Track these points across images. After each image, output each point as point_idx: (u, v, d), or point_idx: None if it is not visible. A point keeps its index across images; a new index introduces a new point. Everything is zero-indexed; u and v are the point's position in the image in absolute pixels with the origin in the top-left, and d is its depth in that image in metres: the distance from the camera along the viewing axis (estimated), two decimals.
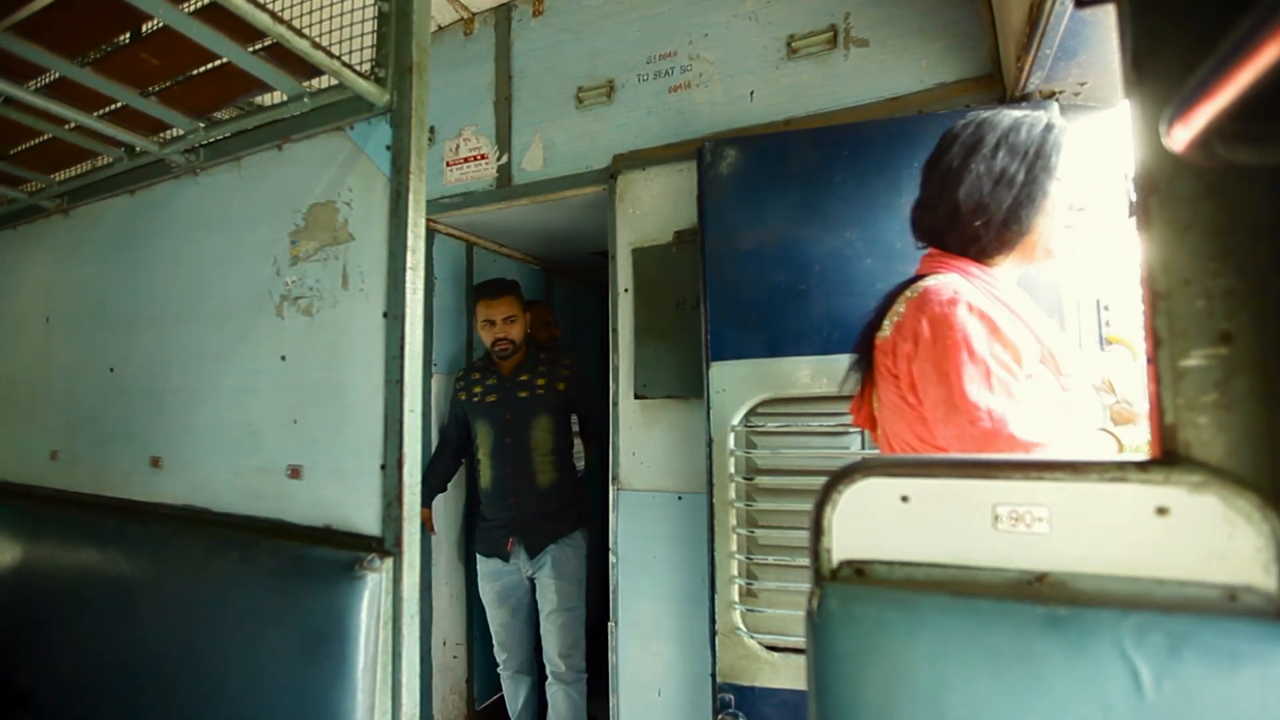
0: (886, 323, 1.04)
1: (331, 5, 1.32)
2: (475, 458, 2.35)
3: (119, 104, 1.39)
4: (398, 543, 1.14)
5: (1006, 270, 1.04)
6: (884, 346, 1.03)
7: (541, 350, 2.44)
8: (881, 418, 1.11)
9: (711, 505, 1.63)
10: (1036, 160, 0.97)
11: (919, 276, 1.05)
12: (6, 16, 1.10)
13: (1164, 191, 0.50)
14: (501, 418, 2.28)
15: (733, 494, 1.61)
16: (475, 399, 2.32)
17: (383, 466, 1.18)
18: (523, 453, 2.28)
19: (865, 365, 1.13)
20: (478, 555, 2.35)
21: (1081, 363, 1.04)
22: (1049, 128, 0.99)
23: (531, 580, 2.32)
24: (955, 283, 0.97)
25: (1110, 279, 1.43)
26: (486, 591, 2.34)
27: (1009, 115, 1.01)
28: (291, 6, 1.32)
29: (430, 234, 2.47)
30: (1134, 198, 0.52)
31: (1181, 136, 0.39)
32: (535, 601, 2.36)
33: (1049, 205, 0.99)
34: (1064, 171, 0.99)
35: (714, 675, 1.58)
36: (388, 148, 1.24)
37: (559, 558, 2.29)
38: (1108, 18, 1.16)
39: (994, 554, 0.56)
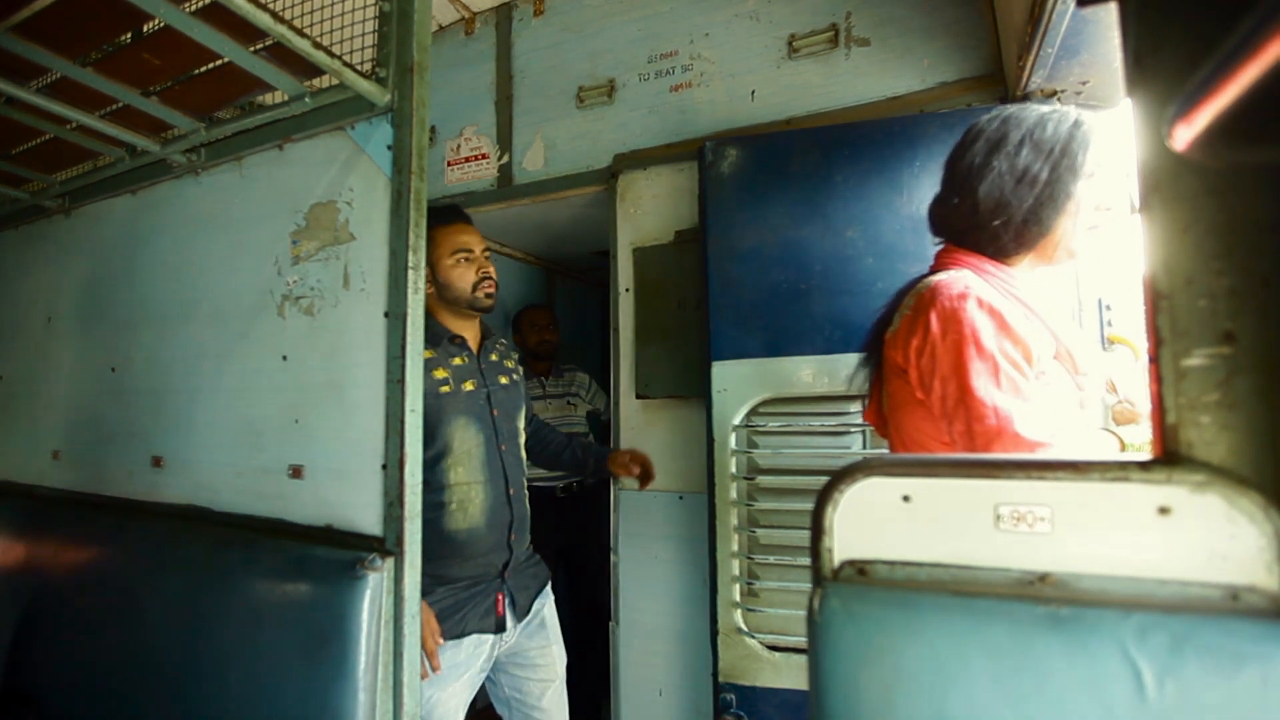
0: (896, 317, 1.03)
1: (332, 5, 1.32)
2: (440, 481, 1.47)
3: (120, 104, 1.39)
4: (399, 542, 1.15)
5: (1024, 269, 1.02)
6: (893, 341, 1.03)
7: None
8: (890, 414, 1.10)
9: (713, 505, 1.63)
10: (1062, 159, 0.95)
11: (931, 272, 1.04)
12: (8, 16, 1.10)
13: (1166, 190, 0.49)
14: (488, 415, 1.56)
15: (734, 494, 1.61)
16: (445, 386, 1.50)
17: (384, 466, 1.18)
18: (518, 466, 1.62)
19: (875, 362, 1.12)
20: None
21: (1098, 361, 1.03)
22: (1076, 125, 0.96)
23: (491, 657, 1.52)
24: (967, 278, 0.95)
25: (1112, 278, 1.43)
26: (447, 698, 1.42)
27: (1035, 111, 0.98)
28: (292, 6, 1.32)
29: None
30: (1136, 197, 0.52)
31: (1184, 135, 0.39)
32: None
33: (1072, 206, 0.96)
34: (1090, 170, 0.96)
35: (715, 675, 1.58)
36: (389, 147, 1.24)
37: (550, 613, 1.65)
38: (1109, 16, 1.15)
39: (996, 554, 0.56)
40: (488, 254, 1.63)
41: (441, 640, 1.38)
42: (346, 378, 1.26)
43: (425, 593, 1.38)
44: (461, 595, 1.45)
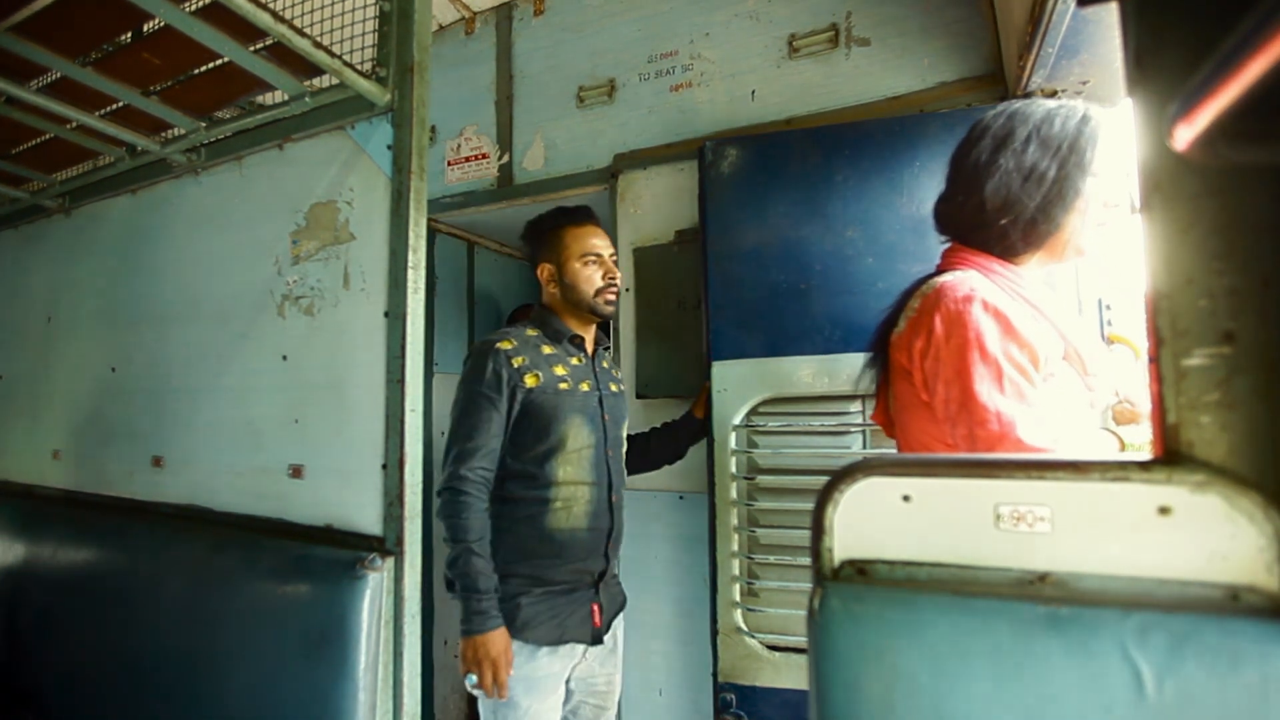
0: (902, 319, 1.03)
1: (332, 5, 1.32)
2: (549, 477, 1.41)
3: (120, 104, 1.39)
4: (399, 542, 1.15)
5: (1032, 267, 1.01)
6: (898, 342, 1.02)
7: None
8: (896, 415, 1.10)
9: (713, 505, 1.63)
10: (1070, 156, 0.93)
11: (938, 272, 1.03)
12: (8, 16, 1.10)
13: (1167, 190, 0.49)
14: (600, 418, 1.50)
15: (734, 493, 1.61)
16: (564, 383, 1.45)
17: (384, 466, 1.18)
18: (621, 474, 1.56)
19: (881, 363, 1.11)
20: (525, 647, 1.34)
21: (1107, 361, 1.02)
22: (1084, 120, 0.94)
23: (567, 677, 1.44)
24: (972, 279, 0.94)
25: (1112, 278, 1.43)
26: (546, 710, 1.37)
27: (1043, 106, 0.97)
28: (292, 6, 1.32)
29: (431, 233, 2.48)
30: (1137, 197, 0.52)
31: (1184, 135, 0.39)
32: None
33: (1081, 203, 0.95)
34: (1099, 166, 0.94)
35: (715, 675, 1.58)
36: (389, 147, 1.24)
37: (622, 639, 1.59)
38: (1110, 16, 1.15)
39: (996, 553, 0.56)
40: (615, 258, 1.58)
41: (510, 671, 1.31)
42: (346, 378, 1.26)
43: (521, 592, 1.36)
44: (558, 601, 1.40)
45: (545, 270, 1.54)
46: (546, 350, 1.48)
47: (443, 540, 1.32)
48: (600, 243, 1.54)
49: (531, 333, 1.50)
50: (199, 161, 1.52)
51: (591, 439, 1.46)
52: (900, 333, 1.02)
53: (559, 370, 1.46)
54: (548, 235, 1.55)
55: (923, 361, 0.95)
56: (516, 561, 1.39)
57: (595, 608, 1.43)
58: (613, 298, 1.53)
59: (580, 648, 1.42)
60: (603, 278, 1.51)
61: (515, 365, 1.40)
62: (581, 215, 1.57)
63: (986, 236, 0.99)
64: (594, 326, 1.60)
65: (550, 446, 1.41)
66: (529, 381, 1.40)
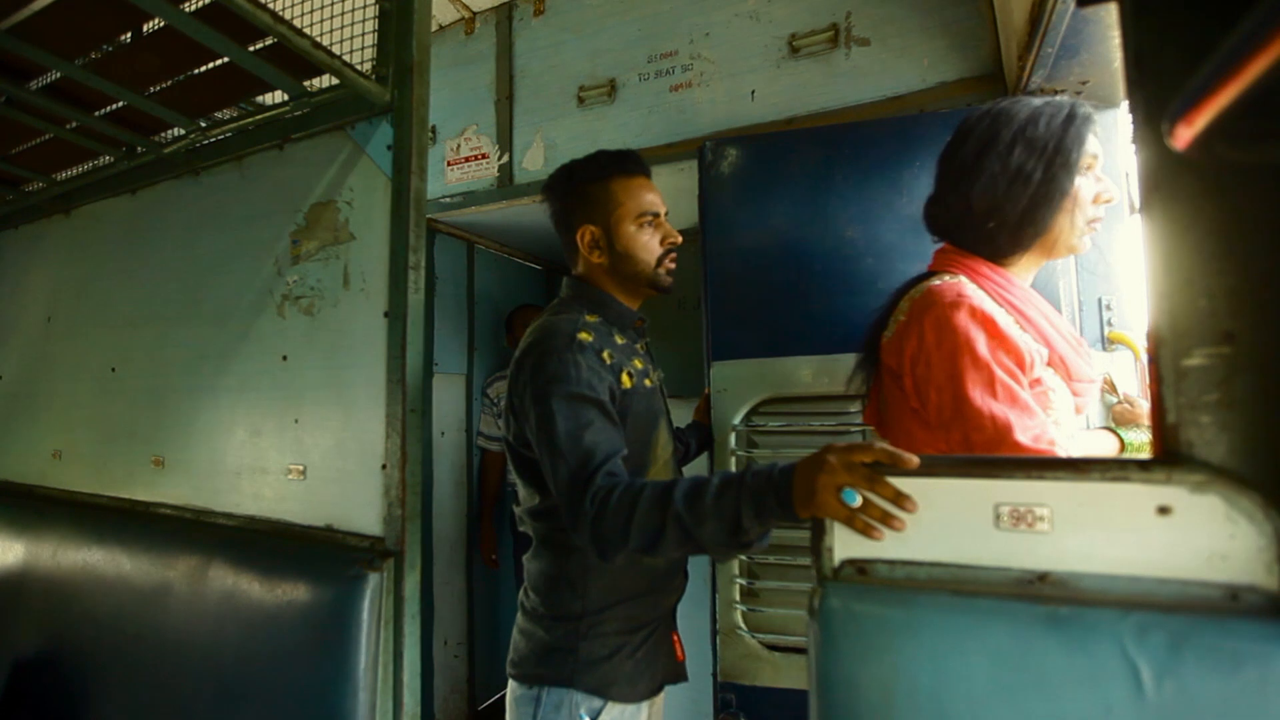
0: (891, 322, 1.03)
1: (332, 5, 1.32)
2: None
3: (120, 104, 1.39)
4: (399, 542, 1.15)
5: (1023, 268, 1.01)
6: (888, 347, 1.02)
7: None
8: (886, 417, 1.10)
9: None
10: (1056, 156, 0.92)
11: (928, 274, 1.04)
12: (7, 17, 1.10)
13: (1166, 190, 0.49)
14: (668, 421, 1.24)
15: None
16: (647, 379, 1.17)
17: (384, 466, 1.18)
18: None
19: (871, 365, 1.12)
20: (626, 709, 1.11)
21: (1095, 368, 1.01)
22: (1070, 118, 0.93)
23: None
24: (961, 285, 0.95)
25: (1112, 277, 1.43)
26: None
27: (1027, 106, 0.96)
28: (292, 6, 1.32)
29: (431, 233, 2.48)
30: (1136, 196, 0.52)
31: (1183, 135, 0.39)
32: None
33: (1069, 203, 0.94)
34: (1087, 164, 0.93)
35: (715, 675, 1.58)
36: (389, 147, 1.24)
37: None
38: (1109, 16, 1.15)
39: (995, 553, 0.56)
40: (668, 215, 1.25)
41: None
42: (346, 378, 1.26)
43: (621, 645, 1.09)
44: (651, 642, 1.15)
45: (587, 234, 1.18)
46: (619, 339, 1.15)
47: (656, 546, 0.87)
48: (657, 199, 1.21)
49: (592, 318, 1.13)
50: (198, 162, 1.52)
51: (672, 443, 1.21)
52: (890, 337, 1.02)
53: (639, 364, 1.15)
54: (590, 189, 1.18)
55: (913, 367, 0.95)
56: (610, 606, 1.09)
57: (675, 639, 1.20)
58: (673, 267, 1.22)
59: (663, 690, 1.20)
60: (662, 243, 1.20)
61: (608, 362, 1.06)
62: (632, 163, 1.20)
63: (975, 238, 1.00)
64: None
65: (644, 460, 1.12)
66: (625, 382, 1.08)
